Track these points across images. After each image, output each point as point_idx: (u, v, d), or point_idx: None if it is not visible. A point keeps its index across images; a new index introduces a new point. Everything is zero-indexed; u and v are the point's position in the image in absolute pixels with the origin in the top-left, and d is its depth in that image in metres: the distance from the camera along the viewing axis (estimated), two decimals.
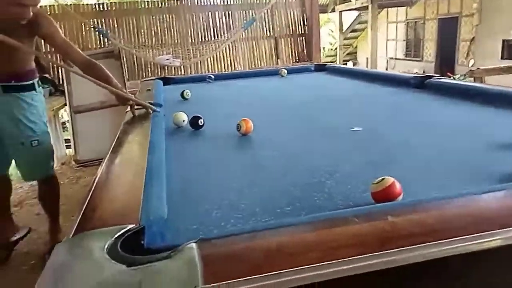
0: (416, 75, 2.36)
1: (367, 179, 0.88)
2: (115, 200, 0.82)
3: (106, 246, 0.60)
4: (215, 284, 0.51)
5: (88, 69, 2.04)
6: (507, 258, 0.62)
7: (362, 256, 0.56)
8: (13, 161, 2.22)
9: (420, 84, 2.18)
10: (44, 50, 5.08)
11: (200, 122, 1.61)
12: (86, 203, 0.78)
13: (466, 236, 0.57)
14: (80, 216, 0.73)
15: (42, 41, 2.27)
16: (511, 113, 1.48)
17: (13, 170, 2.43)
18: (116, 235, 0.63)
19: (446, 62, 10.93)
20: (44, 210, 2.42)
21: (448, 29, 10.69)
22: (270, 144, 1.40)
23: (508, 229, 0.58)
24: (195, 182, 1.04)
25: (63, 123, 5.80)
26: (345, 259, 0.55)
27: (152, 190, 0.83)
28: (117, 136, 1.34)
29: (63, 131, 5.29)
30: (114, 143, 1.24)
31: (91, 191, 0.84)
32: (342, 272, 0.54)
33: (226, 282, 0.51)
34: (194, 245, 0.59)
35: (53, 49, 2.25)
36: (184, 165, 1.18)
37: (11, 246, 2.39)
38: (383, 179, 0.81)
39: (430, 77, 2.21)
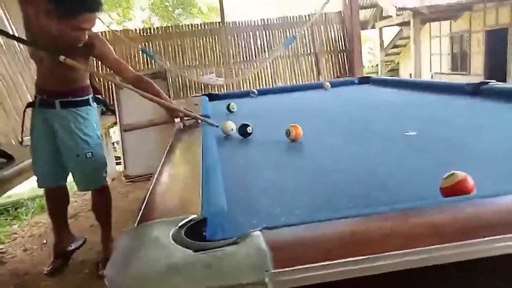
0: (470, 82, 2.25)
1: (429, 177, 0.83)
2: (174, 195, 0.83)
3: (171, 234, 0.60)
4: (287, 268, 0.49)
5: (139, 84, 2.12)
6: None
7: (440, 246, 0.51)
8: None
9: (475, 90, 2.08)
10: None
11: (249, 129, 1.61)
12: (147, 197, 0.79)
13: None
14: (142, 208, 0.73)
15: (94, 60, 2.41)
16: None
17: (68, 183, 2.55)
18: (180, 224, 0.63)
19: (496, 75, 10.39)
20: (97, 220, 2.50)
21: (497, 40, 10.23)
22: (322, 148, 1.37)
23: None
24: (250, 184, 1.03)
25: (113, 142, 6.06)
26: (422, 248, 0.51)
27: (210, 185, 0.83)
28: (170, 142, 1.37)
29: (113, 150, 5.53)
30: (168, 148, 1.26)
31: (151, 186, 0.85)
32: (419, 262, 0.50)
33: (297, 265, 0.49)
34: (259, 232, 0.57)
35: (106, 68, 2.39)
36: (236, 168, 1.18)
37: (68, 255, 2.48)
38: (453, 173, 0.76)
39: (486, 83, 2.10)
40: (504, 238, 0.53)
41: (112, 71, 2.28)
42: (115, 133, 6.39)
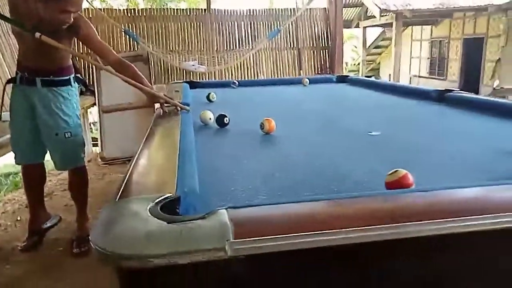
0: (437, 89, 2.40)
1: (381, 174, 0.95)
2: (152, 175, 0.92)
3: (148, 208, 0.69)
4: (244, 239, 0.59)
5: (122, 68, 2.17)
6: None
7: (376, 226, 0.63)
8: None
9: (440, 97, 2.23)
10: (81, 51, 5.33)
11: (226, 120, 1.71)
12: (127, 176, 0.88)
13: (459, 218, 0.64)
14: (123, 185, 0.82)
15: (75, 40, 2.43)
16: None
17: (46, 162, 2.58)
18: (156, 201, 0.72)
19: (470, 82, 10.81)
20: (73, 199, 2.54)
21: (474, 49, 10.60)
22: (292, 142, 1.48)
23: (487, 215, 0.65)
24: (222, 169, 1.13)
25: (90, 123, 6.02)
26: (361, 227, 0.62)
27: (185, 168, 0.92)
28: (150, 127, 1.45)
29: (90, 131, 5.51)
30: (148, 132, 1.34)
31: (131, 166, 0.94)
32: (358, 238, 0.62)
33: (254, 237, 0.59)
34: (224, 210, 0.67)
35: (89, 50, 2.42)
36: (211, 155, 1.27)
37: (43, 233, 2.51)
38: (396, 170, 0.88)
39: (450, 90, 2.26)
40: (428, 223, 0.64)
41: (95, 54, 2.31)
42: (91, 114, 6.35)
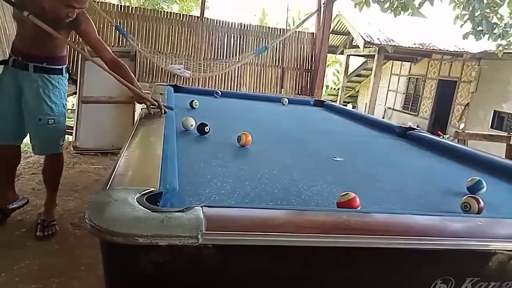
0: (401, 125, 2.63)
1: (335, 194, 1.11)
2: (139, 170, 1.05)
3: (135, 197, 0.82)
4: (214, 232, 0.73)
5: (115, 67, 2.29)
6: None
7: (321, 234, 0.79)
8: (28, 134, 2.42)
9: (402, 133, 2.45)
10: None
11: (206, 128, 1.84)
12: (116, 168, 1.00)
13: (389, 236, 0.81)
14: (113, 176, 0.95)
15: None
16: (464, 167, 1.74)
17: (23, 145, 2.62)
18: (143, 192, 0.85)
19: (440, 121, 11.40)
20: (45, 184, 2.59)
21: (446, 90, 11.21)
22: (264, 157, 1.63)
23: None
24: (199, 173, 1.27)
25: (68, 109, 5.99)
26: (308, 234, 0.78)
27: (167, 168, 1.05)
28: (136, 124, 1.57)
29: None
30: (133, 131, 1.47)
31: (119, 161, 1.06)
32: (303, 242, 0.77)
33: (221, 231, 0.74)
34: (200, 207, 0.81)
35: (87, 46, 2.51)
36: (190, 159, 1.41)
37: (8, 213, 2.55)
38: (347, 193, 1.05)
39: (413, 129, 2.48)
40: (363, 237, 0.81)
41: (92, 50, 2.40)
42: (69, 102, 6.30)
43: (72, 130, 4.77)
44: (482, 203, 1.11)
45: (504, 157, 2.65)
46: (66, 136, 5.15)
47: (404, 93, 13.29)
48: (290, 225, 0.80)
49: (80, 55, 4.68)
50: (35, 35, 2.15)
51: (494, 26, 6.26)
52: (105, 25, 5.71)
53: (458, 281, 0.85)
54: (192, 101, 2.71)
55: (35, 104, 2.29)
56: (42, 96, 2.30)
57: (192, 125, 1.90)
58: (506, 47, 6.70)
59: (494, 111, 9.45)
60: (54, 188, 2.58)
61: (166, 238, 0.70)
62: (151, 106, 2.08)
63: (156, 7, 12.66)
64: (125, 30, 5.59)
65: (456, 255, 0.86)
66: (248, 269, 0.77)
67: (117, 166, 1.02)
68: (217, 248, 0.73)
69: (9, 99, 2.29)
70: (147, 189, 0.88)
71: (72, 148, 4.52)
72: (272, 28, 6.75)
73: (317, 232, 0.79)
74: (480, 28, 6.25)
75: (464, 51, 9.78)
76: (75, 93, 4.75)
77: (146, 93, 2.79)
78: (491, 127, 9.35)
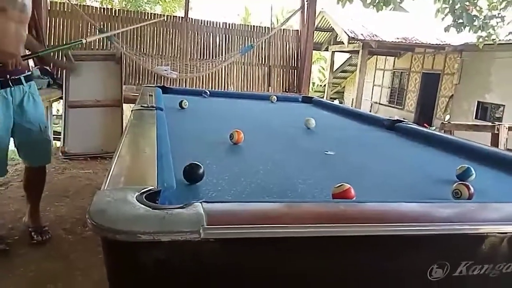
0: (389, 118, 2.67)
1: (330, 187, 1.13)
2: (136, 169, 1.05)
3: (135, 196, 0.83)
4: (214, 226, 0.74)
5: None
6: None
7: (320, 224, 0.80)
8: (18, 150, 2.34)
9: (391, 126, 2.49)
10: (47, 43, 5.28)
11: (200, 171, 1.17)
12: (113, 168, 1.00)
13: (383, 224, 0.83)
14: (110, 177, 0.95)
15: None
16: (453, 156, 1.78)
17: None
18: (142, 191, 0.86)
19: (425, 114, 11.58)
20: (31, 193, 2.51)
21: (430, 83, 11.39)
22: (257, 153, 1.64)
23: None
24: None
25: (54, 115, 5.92)
26: (306, 225, 0.79)
27: (163, 167, 1.06)
28: (128, 125, 1.57)
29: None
30: (127, 130, 1.47)
31: (115, 161, 1.07)
32: (302, 233, 0.79)
33: (222, 225, 0.75)
34: (199, 203, 0.82)
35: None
36: (184, 158, 1.41)
37: None
38: (342, 184, 1.07)
39: (400, 121, 2.52)
40: (358, 225, 0.83)
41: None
42: (57, 107, 6.23)
43: (60, 135, 4.72)
44: (472, 189, 1.15)
45: (489, 145, 2.72)
46: (55, 142, 5.14)
47: (389, 87, 13.46)
48: (290, 216, 0.81)
49: (65, 58, 4.61)
50: (16, 38, 2.08)
51: (474, 18, 6.39)
52: (89, 28, 5.64)
53: (453, 265, 0.87)
54: (182, 101, 2.71)
55: (34, 113, 2.25)
56: (38, 103, 2.28)
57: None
58: (486, 38, 6.84)
59: (478, 101, 9.64)
60: (40, 197, 2.54)
61: (168, 234, 0.71)
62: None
63: (139, 8, 12.56)
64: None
65: (450, 239, 0.88)
66: (250, 262, 0.78)
67: (113, 167, 1.02)
68: (219, 242, 0.74)
69: (6, 129, 2.16)
70: (146, 188, 0.88)
71: (60, 154, 4.48)
72: (256, 26, 6.75)
73: (316, 222, 0.80)
74: (460, 20, 6.37)
75: (446, 44, 9.94)
76: (61, 98, 4.70)
77: (134, 95, 2.79)
78: (475, 118, 9.54)
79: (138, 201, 0.81)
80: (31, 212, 2.52)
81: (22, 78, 2.18)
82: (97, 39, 5.56)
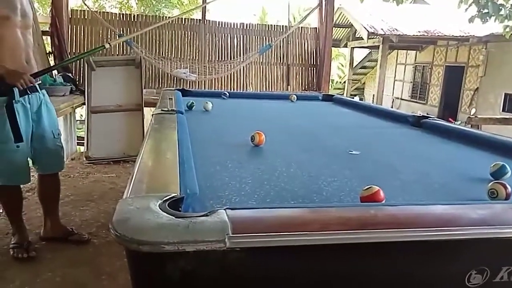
0: (414, 114, 2.59)
1: (357, 189, 1.09)
2: (158, 176, 1.04)
3: (158, 204, 0.81)
4: (240, 234, 0.72)
5: None
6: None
7: (349, 230, 0.76)
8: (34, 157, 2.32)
9: (416, 122, 2.41)
10: (69, 51, 5.39)
11: None
12: (135, 175, 0.99)
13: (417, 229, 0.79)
14: (132, 184, 0.94)
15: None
16: (485, 153, 1.70)
17: None
18: (164, 198, 0.84)
19: (449, 108, 11.25)
20: (50, 201, 2.50)
21: (454, 77, 11.06)
22: (279, 155, 1.61)
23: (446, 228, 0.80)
24: (216, 175, 1.25)
25: (77, 121, 6.04)
26: (334, 232, 0.76)
27: (185, 173, 1.04)
28: (149, 130, 1.57)
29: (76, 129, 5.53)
30: (148, 135, 1.47)
31: (137, 167, 1.05)
32: (331, 240, 0.75)
33: (248, 233, 0.72)
34: (223, 210, 0.79)
35: None
36: (206, 162, 1.39)
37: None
38: (370, 187, 1.02)
39: (426, 117, 2.44)
40: (391, 231, 0.78)
41: None
42: (77, 113, 6.35)
43: (83, 140, 4.81)
44: (509, 189, 1.08)
45: None
46: (78, 146, 5.23)
47: (411, 82, 13.15)
48: (317, 223, 0.78)
49: (86, 65, 4.70)
50: (24, 46, 2.07)
51: (500, 7, 6.14)
52: (109, 34, 5.73)
53: (494, 270, 0.82)
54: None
55: (49, 119, 2.27)
56: (51, 110, 2.31)
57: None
58: None
59: (505, 94, 9.30)
60: (58, 205, 2.56)
61: (192, 243, 0.69)
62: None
63: (157, 13, 12.71)
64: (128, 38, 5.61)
65: (489, 243, 0.83)
66: (277, 271, 0.75)
67: (135, 174, 1.01)
68: (245, 251, 0.71)
69: (27, 137, 2.16)
70: (168, 195, 0.86)
71: (84, 159, 4.56)
72: (274, 25, 6.70)
73: (345, 228, 0.77)
74: (485, 10, 6.13)
75: (470, 35, 9.63)
76: (83, 103, 4.78)
77: (155, 99, 2.81)
78: (503, 110, 9.21)
79: (161, 209, 0.79)
80: (55, 218, 2.53)
81: (37, 86, 2.20)
82: (117, 45, 5.63)
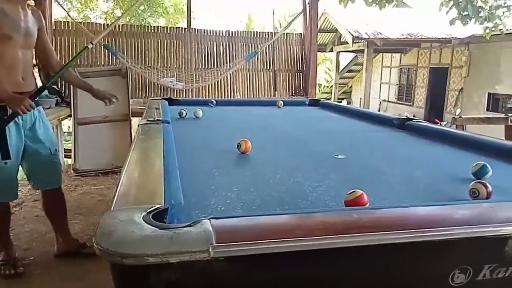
0: (398, 116, 2.62)
1: (342, 193, 1.10)
2: (142, 188, 1.03)
3: (141, 216, 0.81)
4: (224, 243, 0.72)
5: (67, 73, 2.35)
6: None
7: (333, 236, 0.77)
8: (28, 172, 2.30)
9: (401, 124, 2.45)
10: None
11: None
12: (119, 188, 0.99)
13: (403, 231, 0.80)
14: (116, 197, 0.93)
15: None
16: (467, 153, 1.73)
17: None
18: (148, 210, 0.84)
19: (435, 109, 11.41)
20: (54, 220, 2.48)
21: (439, 78, 11.23)
22: (266, 162, 1.62)
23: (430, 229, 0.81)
24: (202, 184, 1.25)
25: (64, 133, 5.97)
26: (319, 237, 0.76)
27: (171, 183, 1.04)
28: (135, 141, 1.56)
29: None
30: (133, 146, 1.46)
31: (122, 179, 1.05)
32: (315, 246, 0.76)
33: (232, 242, 0.72)
34: (207, 220, 0.80)
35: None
36: (192, 171, 1.39)
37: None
38: (354, 191, 1.04)
39: (410, 119, 2.48)
40: (374, 234, 0.79)
41: (41, 52, 2.26)
42: (64, 125, 6.28)
43: (71, 153, 4.76)
44: (490, 188, 1.10)
45: (503, 139, 2.65)
46: (66, 159, 5.17)
47: (397, 84, 13.32)
48: (301, 229, 0.79)
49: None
50: (23, 64, 2.05)
51: (480, 9, 6.29)
52: (94, 46, 5.69)
53: (476, 269, 0.83)
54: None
55: (45, 136, 2.24)
56: (48, 127, 2.28)
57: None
58: (493, 29, 6.72)
59: (488, 93, 9.47)
60: (65, 218, 2.53)
61: (176, 255, 0.69)
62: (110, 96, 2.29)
63: (143, 22, 12.69)
64: (114, 48, 5.59)
65: (471, 243, 0.84)
66: (262, 278, 0.75)
67: (119, 186, 1.01)
68: (229, 260, 0.72)
69: (17, 154, 2.12)
70: (152, 206, 0.86)
71: (72, 171, 4.51)
72: (260, 32, 6.75)
73: (329, 233, 0.77)
74: (466, 12, 6.27)
75: (452, 37, 9.81)
76: (70, 115, 4.74)
77: (142, 108, 2.81)
78: (487, 110, 9.37)
79: (145, 221, 0.79)
80: (67, 232, 2.49)
81: (35, 102, 2.15)
82: (103, 55, 5.60)
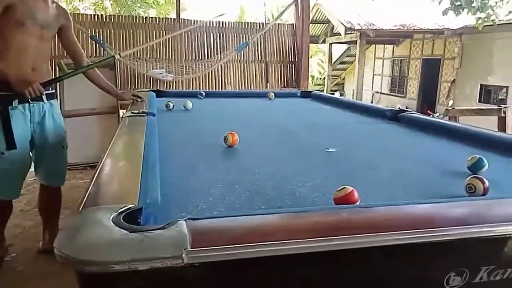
0: (392, 108, 2.57)
1: (332, 189, 1.04)
2: (116, 185, 0.96)
3: (111, 218, 0.74)
4: (201, 248, 0.65)
5: (94, 74, 2.32)
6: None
7: (319, 238, 0.71)
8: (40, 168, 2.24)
9: (394, 116, 2.39)
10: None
11: None
12: (91, 185, 0.91)
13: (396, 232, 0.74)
14: (86, 196, 0.86)
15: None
16: (462, 145, 1.68)
17: None
18: (119, 211, 0.77)
19: (428, 100, 11.40)
20: (48, 218, 2.41)
21: (431, 69, 11.21)
22: (252, 155, 1.55)
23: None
24: (185, 180, 1.18)
25: None
26: (304, 239, 0.70)
27: (148, 180, 0.97)
28: (115, 135, 1.48)
29: None
30: (113, 140, 1.38)
31: (95, 176, 0.97)
32: (299, 249, 0.69)
33: (208, 247, 0.65)
34: (183, 221, 0.73)
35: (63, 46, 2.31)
36: (175, 166, 1.32)
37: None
38: (344, 187, 0.97)
39: (403, 111, 2.42)
40: (365, 236, 0.73)
41: (70, 52, 2.26)
42: None
43: None
44: (487, 183, 1.05)
45: (496, 130, 2.61)
46: None
47: (389, 76, 13.29)
48: (284, 231, 0.72)
49: (57, 69, 4.54)
50: (35, 54, 1.98)
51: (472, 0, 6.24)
52: (80, 37, 5.54)
53: (473, 271, 0.78)
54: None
55: (55, 132, 2.17)
56: (58, 122, 2.20)
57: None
58: (485, 19, 6.69)
59: (481, 85, 9.47)
60: (58, 216, 2.46)
61: (146, 261, 0.62)
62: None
63: (133, 13, 12.47)
64: (101, 39, 5.45)
65: (467, 244, 0.79)
66: (241, 285, 0.69)
67: (91, 184, 0.93)
68: (205, 266, 0.65)
69: (24, 147, 2.04)
70: (125, 206, 0.79)
71: None
72: (251, 23, 6.64)
73: (315, 235, 0.71)
74: (458, 3, 6.22)
75: (445, 28, 9.77)
76: None
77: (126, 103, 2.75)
78: (479, 101, 9.37)
79: (114, 223, 0.72)
80: (50, 236, 2.39)
81: (44, 96, 2.05)
82: (89, 46, 5.47)
